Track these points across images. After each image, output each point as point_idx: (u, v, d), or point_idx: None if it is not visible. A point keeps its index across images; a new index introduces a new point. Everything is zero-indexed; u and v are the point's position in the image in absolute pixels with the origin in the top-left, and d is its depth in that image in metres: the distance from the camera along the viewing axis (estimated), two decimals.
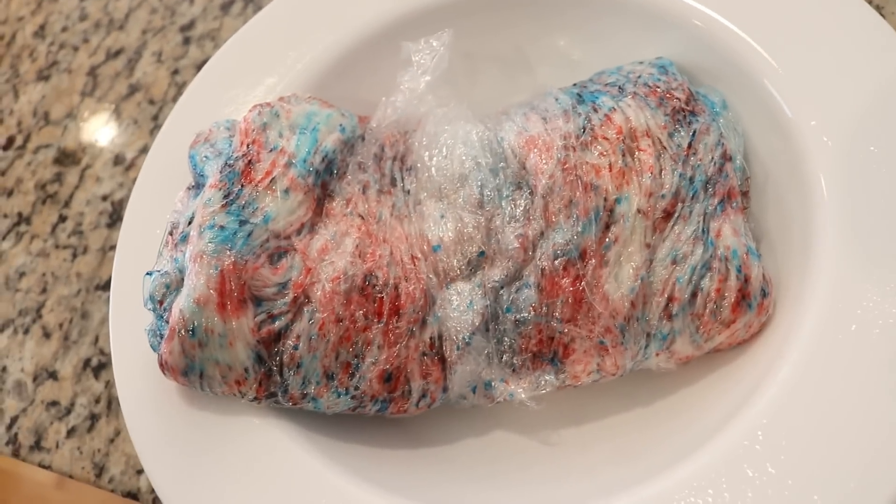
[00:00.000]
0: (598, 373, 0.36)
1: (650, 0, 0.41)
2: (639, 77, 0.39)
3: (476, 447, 0.39)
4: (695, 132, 0.37)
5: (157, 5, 0.56)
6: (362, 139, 0.40)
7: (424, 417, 0.38)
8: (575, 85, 0.40)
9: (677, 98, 0.38)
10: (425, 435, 0.39)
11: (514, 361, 0.36)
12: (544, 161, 0.36)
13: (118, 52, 0.54)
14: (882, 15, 0.43)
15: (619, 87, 0.38)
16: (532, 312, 0.35)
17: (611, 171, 0.36)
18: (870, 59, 0.37)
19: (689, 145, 0.37)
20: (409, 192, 0.38)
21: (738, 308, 0.35)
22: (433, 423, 0.39)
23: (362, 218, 0.37)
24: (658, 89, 0.38)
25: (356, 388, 0.35)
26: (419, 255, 0.36)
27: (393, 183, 0.38)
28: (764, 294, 0.35)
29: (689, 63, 0.40)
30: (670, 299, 0.35)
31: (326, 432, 0.36)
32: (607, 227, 0.35)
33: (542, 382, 0.36)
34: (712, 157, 0.37)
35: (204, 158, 0.38)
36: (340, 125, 0.39)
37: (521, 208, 0.36)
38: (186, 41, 0.54)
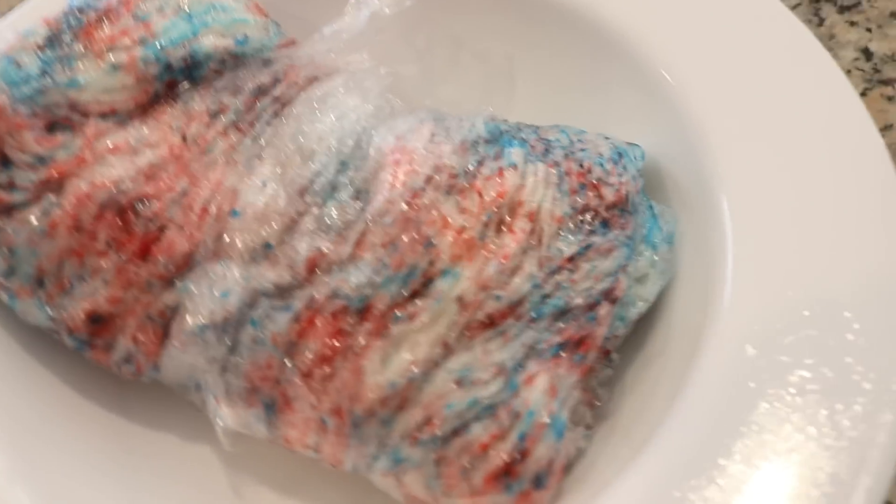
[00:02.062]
0: (315, 453, 0.28)
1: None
2: (582, 150, 0.29)
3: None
4: (588, 246, 0.27)
5: None
6: (267, 63, 0.33)
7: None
8: (512, 123, 0.31)
9: (601, 196, 0.28)
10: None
11: (232, 382, 0.28)
12: (397, 182, 0.28)
13: None
14: None
15: (547, 149, 0.29)
16: (272, 341, 0.27)
17: (458, 235, 0.27)
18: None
19: (572, 259, 0.27)
20: (258, 139, 0.31)
21: (493, 482, 0.25)
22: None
23: (185, 141, 0.30)
24: (588, 175, 0.28)
25: (60, 311, 0.29)
26: (213, 211, 0.29)
27: (252, 124, 0.31)
28: (538, 484, 0.25)
29: (673, 168, 0.30)
30: (427, 422, 0.26)
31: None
32: (413, 296, 0.27)
33: (251, 424, 0.28)
34: (590, 287, 0.27)
35: None
36: (244, 35, 0.32)
37: (343, 221, 0.28)
38: None
